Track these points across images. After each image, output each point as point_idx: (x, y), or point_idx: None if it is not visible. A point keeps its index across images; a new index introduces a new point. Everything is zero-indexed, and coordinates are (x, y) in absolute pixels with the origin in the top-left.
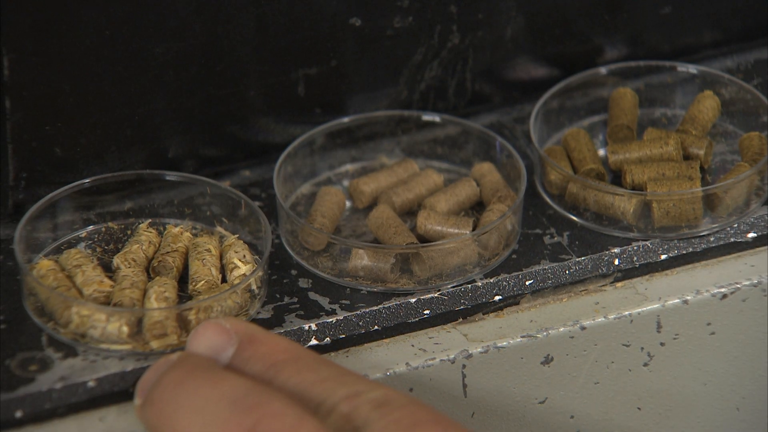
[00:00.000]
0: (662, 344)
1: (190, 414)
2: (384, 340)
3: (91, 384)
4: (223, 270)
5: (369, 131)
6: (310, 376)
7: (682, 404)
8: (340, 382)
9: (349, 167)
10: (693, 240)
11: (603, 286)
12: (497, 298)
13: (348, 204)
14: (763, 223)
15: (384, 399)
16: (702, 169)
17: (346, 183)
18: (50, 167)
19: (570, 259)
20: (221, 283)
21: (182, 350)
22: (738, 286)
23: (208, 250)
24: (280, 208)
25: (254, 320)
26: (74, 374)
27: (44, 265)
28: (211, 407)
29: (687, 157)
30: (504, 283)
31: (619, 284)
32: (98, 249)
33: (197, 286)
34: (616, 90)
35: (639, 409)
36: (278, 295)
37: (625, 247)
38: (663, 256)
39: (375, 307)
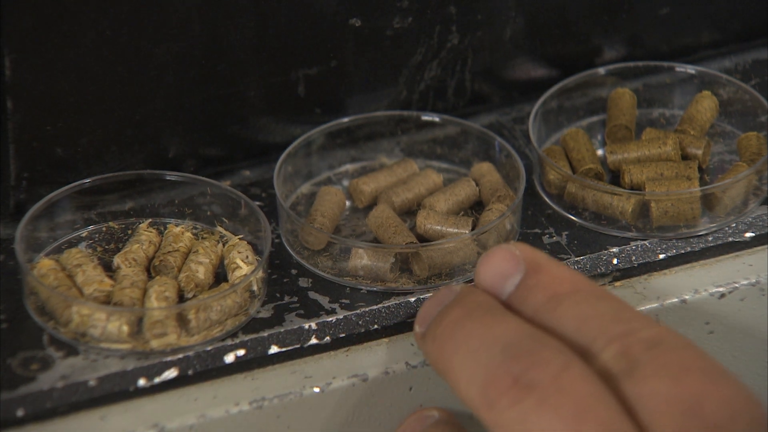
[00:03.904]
0: None
1: (464, 355)
2: (384, 339)
3: (92, 383)
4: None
5: (369, 131)
6: (587, 310)
7: None
8: (616, 319)
9: (349, 167)
10: (691, 240)
11: (602, 285)
12: None
13: (348, 204)
14: (761, 223)
15: (657, 339)
16: (700, 169)
17: (346, 183)
18: (51, 167)
19: (569, 258)
20: (223, 282)
21: (466, 283)
22: (736, 285)
23: (197, 251)
24: (280, 207)
25: (254, 319)
26: (75, 373)
27: (45, 264)
28: (485, 350)
29: (685, 157)
30: None
31: (617, 284)
32: (99, 248)
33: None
34: (615, 90)
35: None
36: (278, 295)
37: (623, 246)
38: (661, 256)
39: (375, 307)
